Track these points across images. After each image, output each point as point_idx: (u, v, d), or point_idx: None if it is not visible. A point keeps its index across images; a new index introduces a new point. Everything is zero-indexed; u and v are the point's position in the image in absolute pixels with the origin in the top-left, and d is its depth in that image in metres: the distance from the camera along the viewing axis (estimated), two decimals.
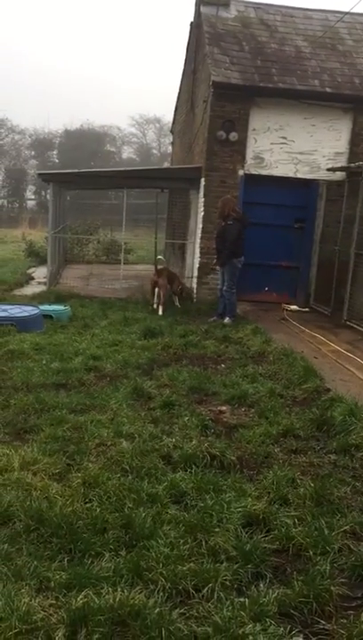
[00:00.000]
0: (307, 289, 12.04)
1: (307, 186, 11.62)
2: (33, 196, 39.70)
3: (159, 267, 11.48)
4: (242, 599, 2.96)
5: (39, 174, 16.73)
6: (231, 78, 11.02)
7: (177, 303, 11.20)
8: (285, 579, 3.20)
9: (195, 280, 11.80)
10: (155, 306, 10.72)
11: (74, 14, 76.02)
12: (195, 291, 11.72)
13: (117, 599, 2.86)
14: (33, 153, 41.72)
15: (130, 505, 3.73)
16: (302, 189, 11.60)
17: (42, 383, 6.15)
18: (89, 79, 67.08)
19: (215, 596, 2.98)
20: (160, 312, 10.45)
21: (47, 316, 9.27)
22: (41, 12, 73.39)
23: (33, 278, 14.82)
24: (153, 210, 19.80)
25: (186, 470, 4.27)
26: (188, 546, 3.35)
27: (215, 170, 11.29)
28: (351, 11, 11.53)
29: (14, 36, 67.04)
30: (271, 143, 11.39)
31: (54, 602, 2.88)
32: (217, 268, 10.47)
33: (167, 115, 27.84)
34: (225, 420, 5.39)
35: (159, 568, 3.12)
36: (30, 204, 39.24)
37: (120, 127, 42.62)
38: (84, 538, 3.37)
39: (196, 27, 13.08)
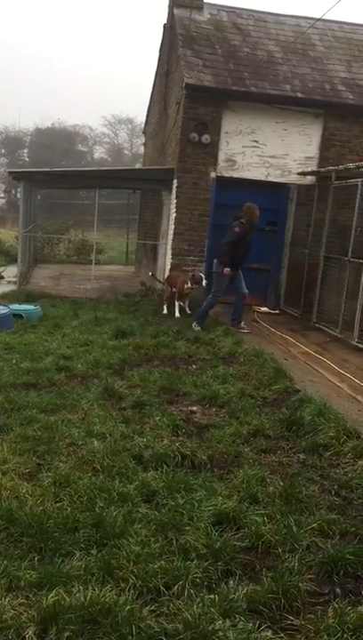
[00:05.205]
0: (277, 291, 12.17)
1: (278, 189, 11.74)
2: (2, 195, 39.25)
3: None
4: (212, 596, 2.99)
5: (10, 172, 16.57)
6: (204, 81, 11.08)
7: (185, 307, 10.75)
8: (254, 576, 3.24)
9: None
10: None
11: (45, 11, 75.44)
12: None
13: (88, 597, 2.86)
14: (3, 151, 41.24)
15: (101, 504, 3.73)
16: (273, 193, 11.70)
17: (12, 383, 6.09)
18: (61, 78, 66.70)
19: (186, 594, 3.00)
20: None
21: (17, 316, 9.19)
22: (10, 9, 72.57)
23: (3, 277, 14.68)
24: (125, 210, 19.71)
25: (157, 469, 4.28)
26: (158, 544, 3.37)
27: (188, 172, 11.34)
28: (323, 17, 11.71)
29: None
30: (243, 146, 11.50)
31: (25, 601, 2.87)
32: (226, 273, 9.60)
33: (140, 115, 27.80)
34: (196, 419, 5.43)
35: (130, 566, 3.14)
36: (0, 202, 38.77)
37: (92, 127, 42.40)
38: (55, 537, 3.37)
39: (169, 29, 13.13)
